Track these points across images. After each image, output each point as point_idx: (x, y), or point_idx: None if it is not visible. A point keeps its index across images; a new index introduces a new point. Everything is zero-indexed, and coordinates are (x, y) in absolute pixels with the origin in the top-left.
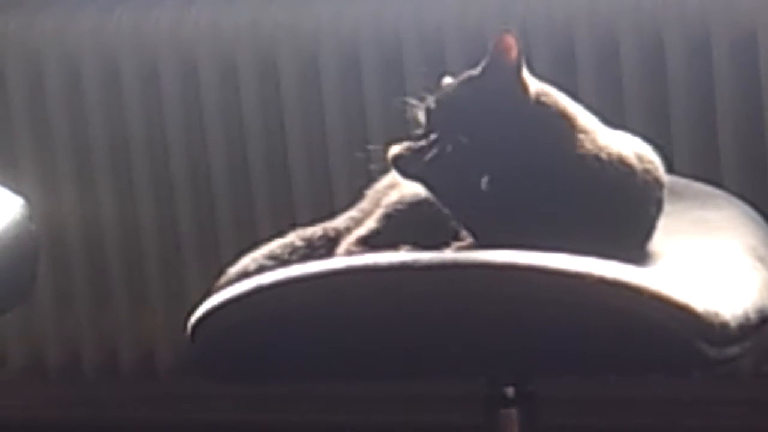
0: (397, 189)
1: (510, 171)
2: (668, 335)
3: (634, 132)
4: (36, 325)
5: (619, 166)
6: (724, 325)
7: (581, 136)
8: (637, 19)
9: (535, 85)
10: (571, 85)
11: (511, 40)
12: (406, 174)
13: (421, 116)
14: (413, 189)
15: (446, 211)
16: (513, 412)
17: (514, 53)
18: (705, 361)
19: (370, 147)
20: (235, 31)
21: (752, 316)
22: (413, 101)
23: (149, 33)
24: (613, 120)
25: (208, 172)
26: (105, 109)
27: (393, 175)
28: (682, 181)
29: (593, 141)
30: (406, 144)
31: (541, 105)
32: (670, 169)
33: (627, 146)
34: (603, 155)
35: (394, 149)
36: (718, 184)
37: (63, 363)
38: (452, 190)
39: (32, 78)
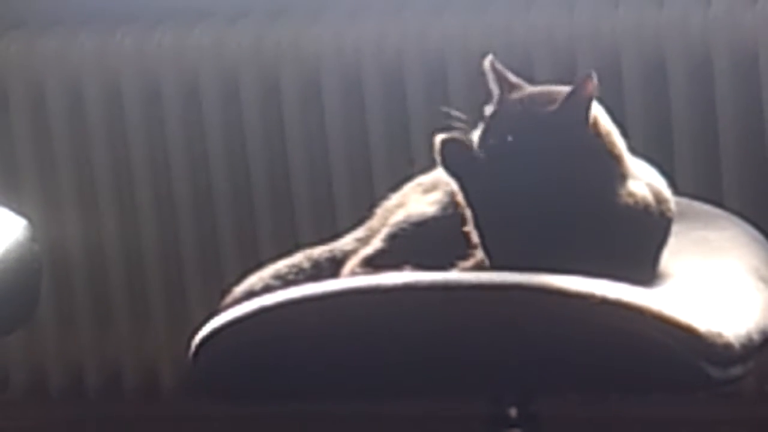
0: (404, 208)
1: (545, 193)
2: (671, 355)
3: (637, 153)
4: (39, 345)
5: (643, 214)
6: (726, 346)
7: (620, 179)
8: (639, 40)
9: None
10: None
11: (591, 85)
12: (448, 167)
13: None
14: (420, 208)
15: (470, 215)
16: None
17: (590, 94)
18: (708, 381)
19: (373, 166)
20: (238, 51)
21: (755, 336)
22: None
23: (151, 54)
24: None
25: (210, 192)
26: (107, 130)
27: (401, 194)
28: (685, 202)
29: (626, 186)
30: (455, 134)
31: (597, 140)
32: (673, 189)
33: (647, 183)
34: (632, 201)
35: (442, 136)
36: (720, 204)
37: (66, 384)
38: (486, 196)
39: (34, 99)
